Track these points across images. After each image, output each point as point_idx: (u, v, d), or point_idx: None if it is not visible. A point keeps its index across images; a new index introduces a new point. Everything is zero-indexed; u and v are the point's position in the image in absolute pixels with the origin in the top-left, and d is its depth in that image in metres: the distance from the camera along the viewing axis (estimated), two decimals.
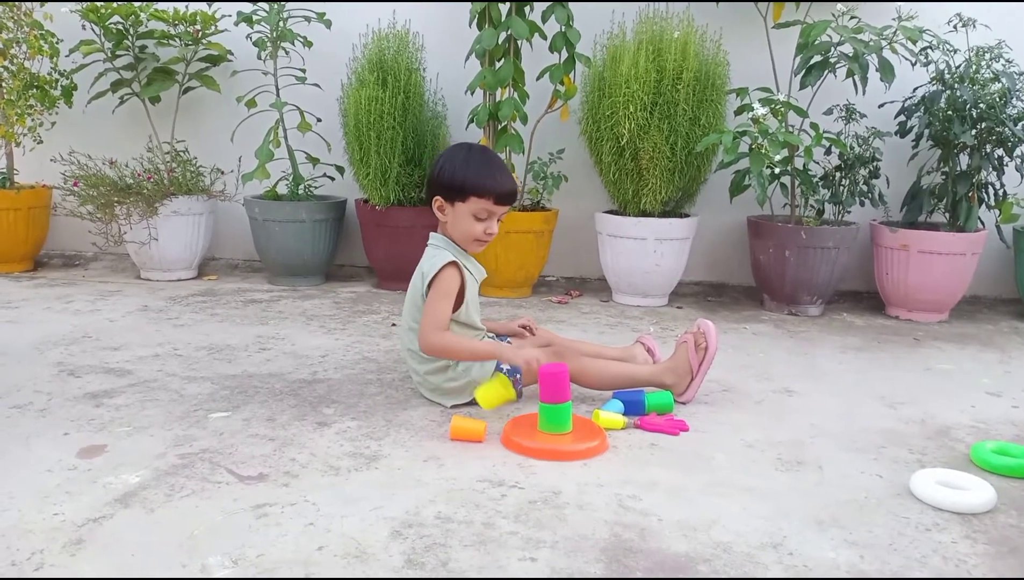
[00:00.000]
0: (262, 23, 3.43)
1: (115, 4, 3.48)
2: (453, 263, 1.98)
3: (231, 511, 1.47)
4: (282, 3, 3.43)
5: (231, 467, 1.66)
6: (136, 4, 3.52)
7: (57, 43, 3.66)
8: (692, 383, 2.09)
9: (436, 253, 2.02)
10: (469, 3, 3.27)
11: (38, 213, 3.71)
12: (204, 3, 3.61)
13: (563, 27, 3.25)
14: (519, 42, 3.31)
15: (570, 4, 3.27)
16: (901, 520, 1.52)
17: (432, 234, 2.09)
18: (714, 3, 3.36)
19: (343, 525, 1.43)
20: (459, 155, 2.02)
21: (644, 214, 3.31)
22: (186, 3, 3.63)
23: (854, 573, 1.33)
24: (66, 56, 3.67)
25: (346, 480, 1.62)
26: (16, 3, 3.52)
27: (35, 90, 3.61)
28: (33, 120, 3.66)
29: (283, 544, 1.36)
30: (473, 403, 2.04)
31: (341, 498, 1.53)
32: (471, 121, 3.35)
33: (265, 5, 3.44)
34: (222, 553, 1.33)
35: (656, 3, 3.34)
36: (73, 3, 3.49)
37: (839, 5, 3.11)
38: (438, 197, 2.03)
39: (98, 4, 3.46)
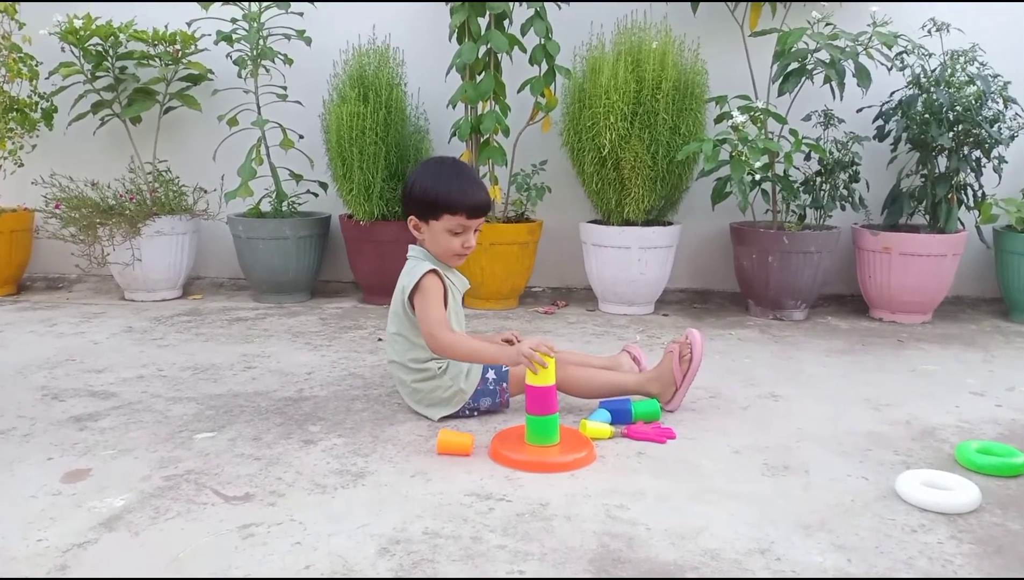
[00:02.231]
0: (242, 41, 3.43)
1: (94, 26, 3.48)
2: (432, 271, 1.98)
3: (217, 532, 1.46)
4: (261, 22, 3.44)
5: (217, 488, 1.65)
6: (115, 25, 3.52)
7: (36, 65, 3.65)
8: (676, 393, 2.10)
9: (416, 265, 2.01)
10: (448, 16, 3.29)
11: (20, 236, 3.69)
12: (186, 7, 3.61)
13: (542, 40, 3.27)
14: (499, 55, 3.33)
15: (549, 17, 3.29)
16: (887, 522, 1.53)
17: (411, 246, 2.09)
18: (691, 13, 3.38)
19: (330, 543, 1.42)
20: (430, 172, 2.02)
21: (628, 223, 3.33)
22: (171, 9, 3.62)
23: (841, 576, 1.34)
24: (46, 78, 3.66)
25: (333, 498, 1.61)
26: None
27: (15, 113, 3.60)
28: (13, 143, 3.65)
29: (270, 564, 1.36)
30: (460, 416, 2.05)
31: (328, 516, 1.53)
32: (453, 134, 3.36)
33: (245, 24, 3.44)
34: (208, 575, 1.32)
35: (635, 7, 3.36)
36: (60, 9, 3.46)
37: (814, 12, 3.14)
38: (412, 216, 2.03)
39: (77, 26, 3.45)
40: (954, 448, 1.87)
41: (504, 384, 2.06)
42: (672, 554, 1.40)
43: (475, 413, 2.07)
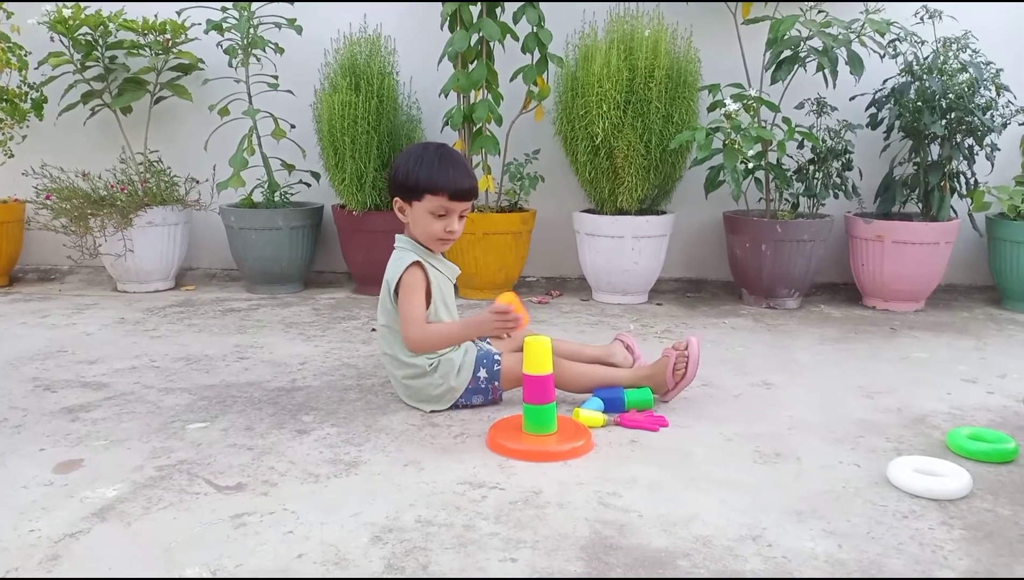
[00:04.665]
0: (232, 30, 3.41)
1: (84, 15, 3.45)
2: (416, 263, 1.97)
3: (209, 522, 1.46)
4: (252, 10, 3.41)
5: (209, 478, 1.65)
6: (105, 14, 3.49)
7: (25, 56, 3.62)
8: (668, 393, 2.09)
9: (400, 256, 2.01)
10: (440, 5, 3.27)
11: (11, 228, 3.67)
12: (174, 5, 3.59)
13: (534, 28, 3.26)
14: (491, 44, 3.32)
15: (541, 5, 3.28)
16: (879, 508, 1.54)
17: (398, 236, 2.07)
18: (684, 1, 3.37)
19: (322, 532, 1.43)
20: (414, 154, 2.00)
21: (621, 212, 3.32)
22: (157, 6, 3.60)
23: (832, 562, 1.34)
24: (35, 68, 3.63)
25: (325, 487, 1.61)
26: None
27: (4, 104, 3.58)
28: (3, 134, 3.62)
29: (262, 553, 1.36)
30: (453, 408, 2.04)
31: (320, 505, 1.53)
32: (446, 123, 3.35)
33: (235, 12, 3.42)
34: (200, 564, 1.32)
35: (626, 2, 3.36)
36: (47, 4, 3.44)
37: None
38: (397, 198, 2.03)
39: (66, 15, 3.43)
40: (945, 435, 1.88)
41: (496, 382, 2.05)
42: (664, 541, 1.41)
43: (468, 406, 2.07)
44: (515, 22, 3.29)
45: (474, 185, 2.02)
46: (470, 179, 2.01)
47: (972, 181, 3.25)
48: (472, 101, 3.32)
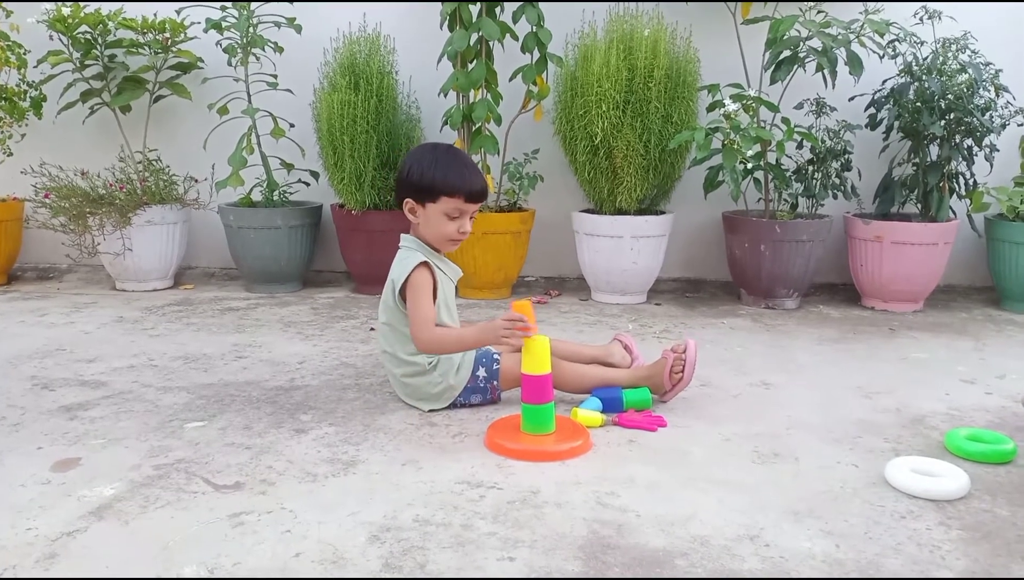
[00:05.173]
0: (232, 29, 3.41)
1: (83, 14, 3.45)
2: (423, 264, 1.97)
3: (207, 521, 1.46)
4: (251, 9, 3.41)
5: (207, 476, 1.65)
6: (104, 13, 3.49)
7: (25, 54, 3.62)
8: (666, 394, 2.09)
9: (407, 256, 2.00)
10: (440, 4, 3.27)
11: (10, 226, 3.67)
12: (173, 4, 3.59)
13: (534, 27, 3.26)
14: (491, 43, 3.32)
15: (540, 4, 3.28)
16: (877, 509, 1.54)
17: (403, 236, 2.08)
18: (683, 0, 3.37)
19: (320, 531, 1.42)
20: (426, 155, 2.00)
21: (620, 212, 3.32)
22: (156, 5, 3.60)
23: (830, 562, 1.34)
24: (34, 67, 3.63)
25: (323, 486, 1.61)
26: None
27: (3, 102, 3.58)
28: (2, 132, 3.62)
29: (260, 552, 1.36)
30: (451, 407, 2.04)
31: (318, 504, 1.53)
32: (445, 123, 3.35)
33: (234, 11, 3.42)
34: (198, 563, 1.32)
35: (626, 2, 3.36)
36: (46, 3, 3.44)
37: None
38: (408, 199, 2.02)
39: (65, 14, 3.43)
40: (944, 435, 1.88)
41: (495, 382, 2.05)
42: (662, 540, 1.41)
43: (466, 405, 2.07)
44: (515, 21, 3.29)
45: (486, 186, 2.04)
46: (482, 180, 2.02)
47: (971, 182, 3.25)
48: (471, 100, 3.32)
